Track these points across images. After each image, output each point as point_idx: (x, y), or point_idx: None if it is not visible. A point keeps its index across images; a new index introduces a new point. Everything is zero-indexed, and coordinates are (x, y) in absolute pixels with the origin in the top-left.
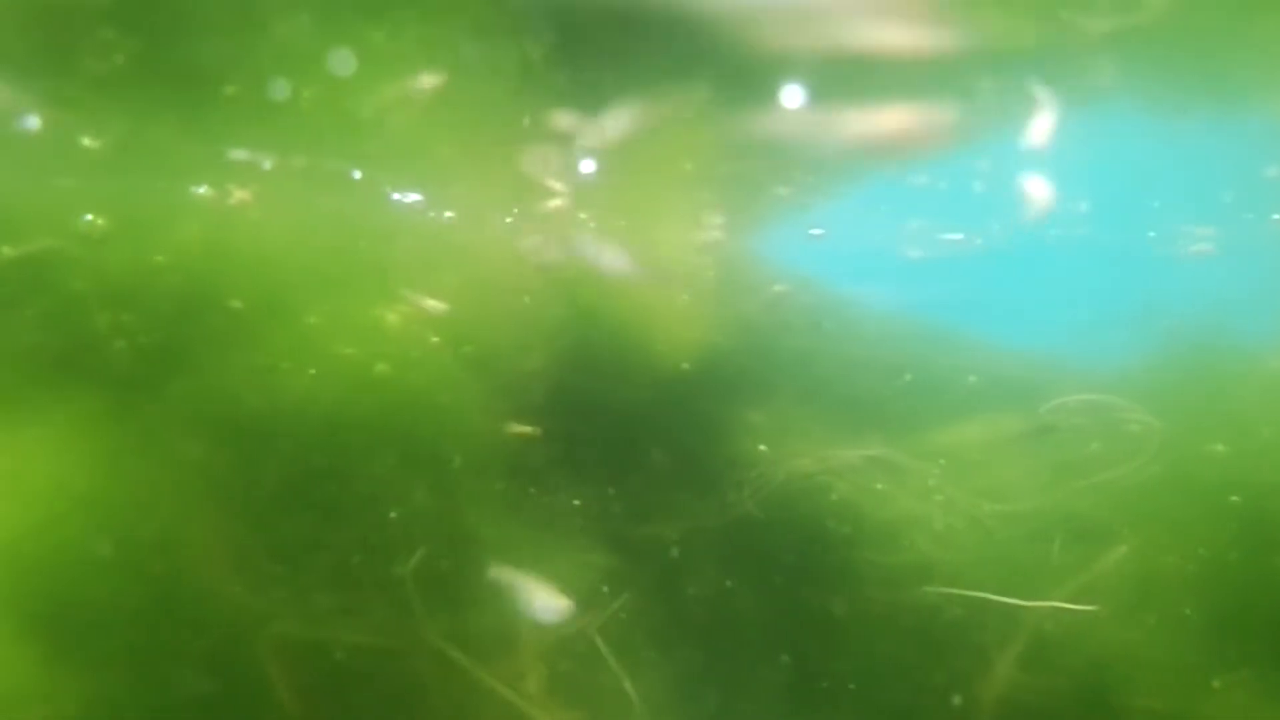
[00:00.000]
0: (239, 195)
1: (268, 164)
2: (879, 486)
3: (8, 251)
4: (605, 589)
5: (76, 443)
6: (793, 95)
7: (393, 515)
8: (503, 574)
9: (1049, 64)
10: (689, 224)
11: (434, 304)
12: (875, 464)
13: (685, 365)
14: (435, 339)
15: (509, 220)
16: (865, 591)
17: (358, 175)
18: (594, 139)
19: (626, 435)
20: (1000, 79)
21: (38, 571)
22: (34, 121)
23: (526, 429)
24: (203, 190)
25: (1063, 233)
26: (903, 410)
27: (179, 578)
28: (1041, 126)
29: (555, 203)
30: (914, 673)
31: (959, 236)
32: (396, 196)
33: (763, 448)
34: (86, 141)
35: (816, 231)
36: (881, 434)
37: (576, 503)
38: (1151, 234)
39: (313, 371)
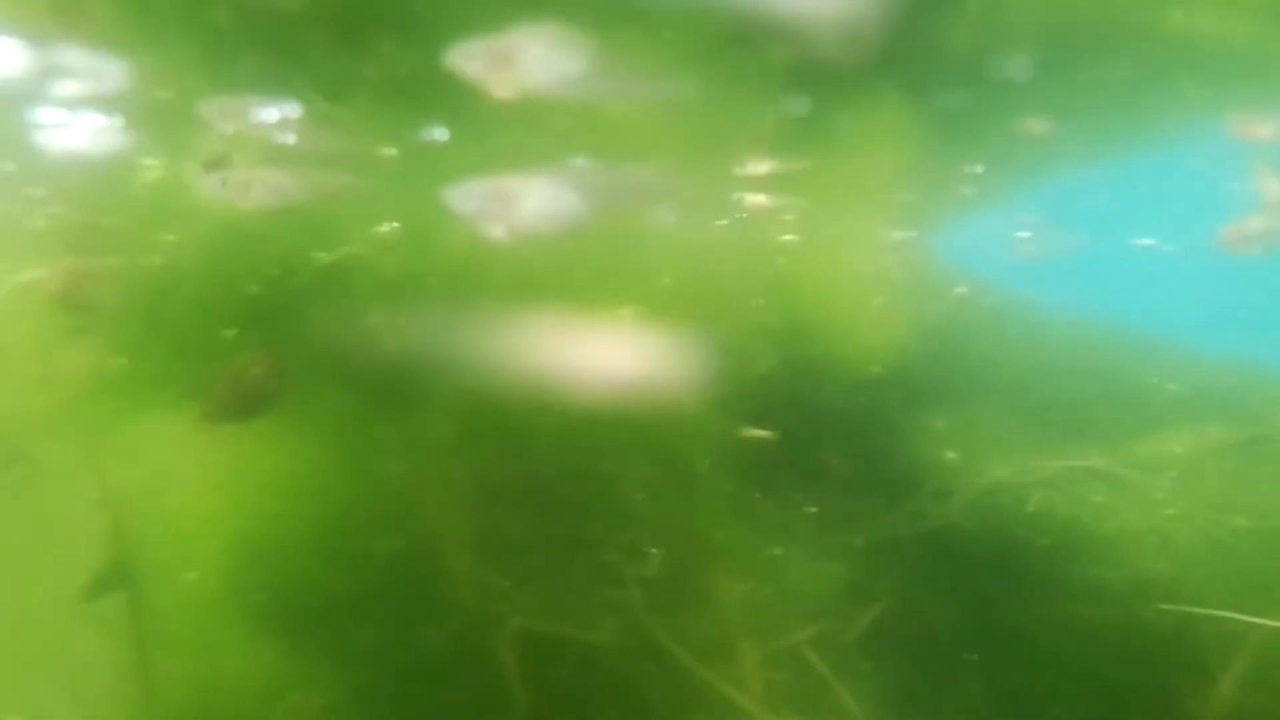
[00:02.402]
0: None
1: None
2: (1097, 499)
3: (322, 257)
4: (833, 597)
5: (339, 437)
6: (992, 96)
7: (631, 517)
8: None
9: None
10: (881, 223)
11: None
12: (1091, 475)
13: (876, 369)
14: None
15: (726, 223)
16: (1072, 607)
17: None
18: (803, 142)
19: (826, 440)
20: (1206, 77)
21: (295, 561)
22: (343, 134)
23: (761, 432)
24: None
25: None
26: (1099, 419)
27: (425, 571)
28: (1255, 130)
29: (761, 200)
30: (1126, 691)
31: (1150, 241)
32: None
33: (951, 455)
34: (384, 151)
35: (1023, 235)
36: (1080, 443)
37: (813, 510)
38: None
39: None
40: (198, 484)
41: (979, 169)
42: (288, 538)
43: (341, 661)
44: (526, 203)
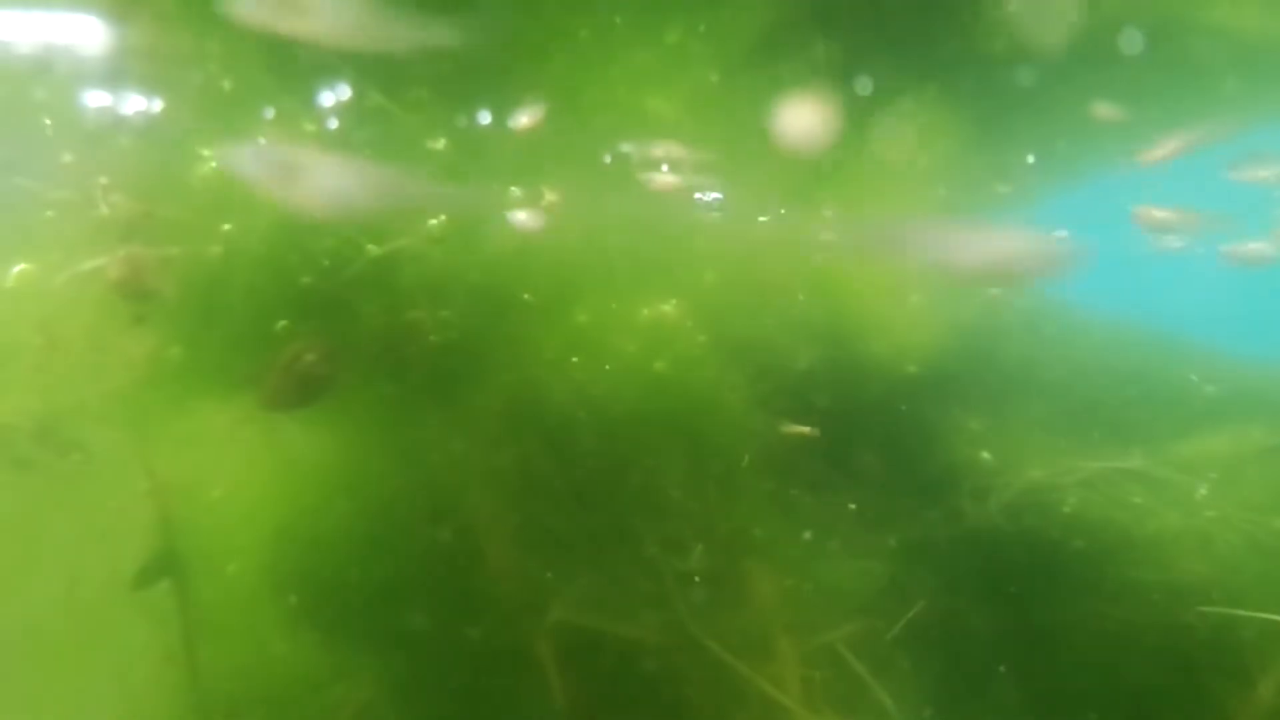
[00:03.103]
0: (549, 197)
1: (577, 165)
2: (1137, 500)
3: (372, 250)
4: (872, 596)
5: (382, 429)
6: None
7: (672, 512)
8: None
9: None
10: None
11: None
12: (1130, 476)
13: (913, 368)
14: (703, 338)
15: (767, 219)
16: (1110, 609)
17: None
18: (855, 136)
19: (864, 438)
20: (1248, 76)
21: (337, 552)
22: (390, 128)
23: (802, 429)
24: (517, 192)
25: None
26: (1137, 420)
27: (466, 563)
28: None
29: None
30: (1163, 694)
31: (1179, 244)
32: (699, 196)
33: (988, 455)
34: (432, 144)
35: (1060, 234)
36: (1118, 444)
37: (852, 506)
38: None
39: (607, 367)
40: (244, 474)
41: (1014, 167)
42: (330, 529)
43: (382, 652)
44: (313, 178)
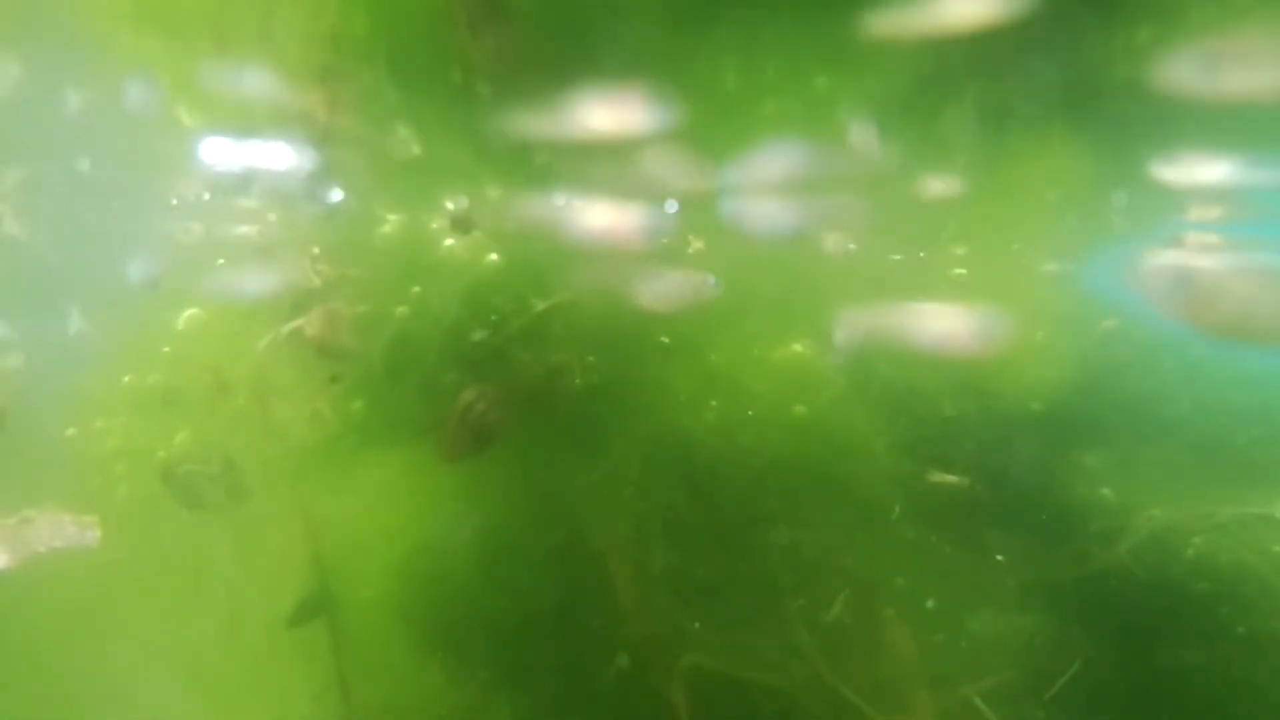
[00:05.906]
0: (695, 245)
1: (723, 213)
2: (1277, 549)
3: (537, 304)
4: (1011, 648)
5: (528, 472)
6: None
7: (811, 560)
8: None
9: None
10: (1041, 255)
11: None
12: (1270, 523)
13: (1036, 405)
14: (843, 381)
15: (900, 258)
16: (1252, 659)
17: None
18: (985, 172)
19: (996, 483)
20: None
21: (479, 592)
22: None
23: (950, 477)
24: (664, 240)
25: None
26: (1270, 461)
27: (601, 604)
28: None
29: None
30: None
31: None
32: (850, 247)
33: (1118, 496)
34: None
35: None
36: (1253, 488)
37: (1000, 558)
38: None
39: (750, 412)
40: (396, 518)
41: (1136, 199)
42: (474, 570)
43: (521, 690)
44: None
